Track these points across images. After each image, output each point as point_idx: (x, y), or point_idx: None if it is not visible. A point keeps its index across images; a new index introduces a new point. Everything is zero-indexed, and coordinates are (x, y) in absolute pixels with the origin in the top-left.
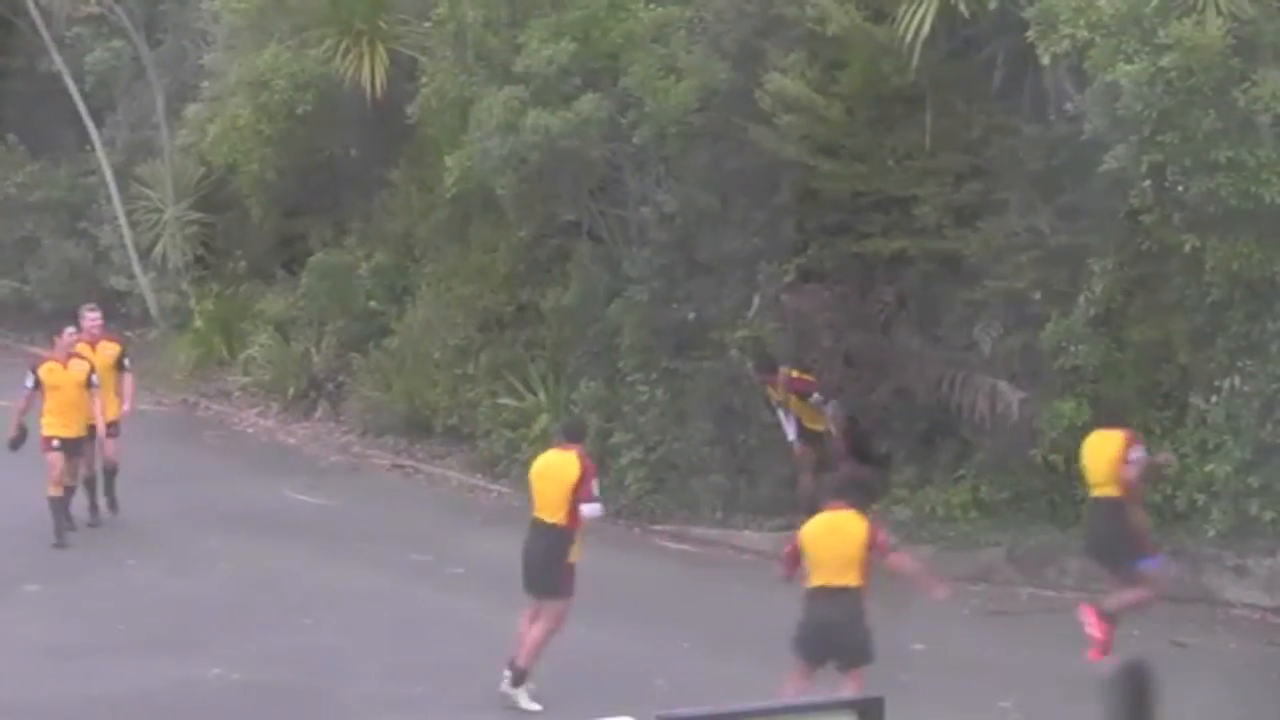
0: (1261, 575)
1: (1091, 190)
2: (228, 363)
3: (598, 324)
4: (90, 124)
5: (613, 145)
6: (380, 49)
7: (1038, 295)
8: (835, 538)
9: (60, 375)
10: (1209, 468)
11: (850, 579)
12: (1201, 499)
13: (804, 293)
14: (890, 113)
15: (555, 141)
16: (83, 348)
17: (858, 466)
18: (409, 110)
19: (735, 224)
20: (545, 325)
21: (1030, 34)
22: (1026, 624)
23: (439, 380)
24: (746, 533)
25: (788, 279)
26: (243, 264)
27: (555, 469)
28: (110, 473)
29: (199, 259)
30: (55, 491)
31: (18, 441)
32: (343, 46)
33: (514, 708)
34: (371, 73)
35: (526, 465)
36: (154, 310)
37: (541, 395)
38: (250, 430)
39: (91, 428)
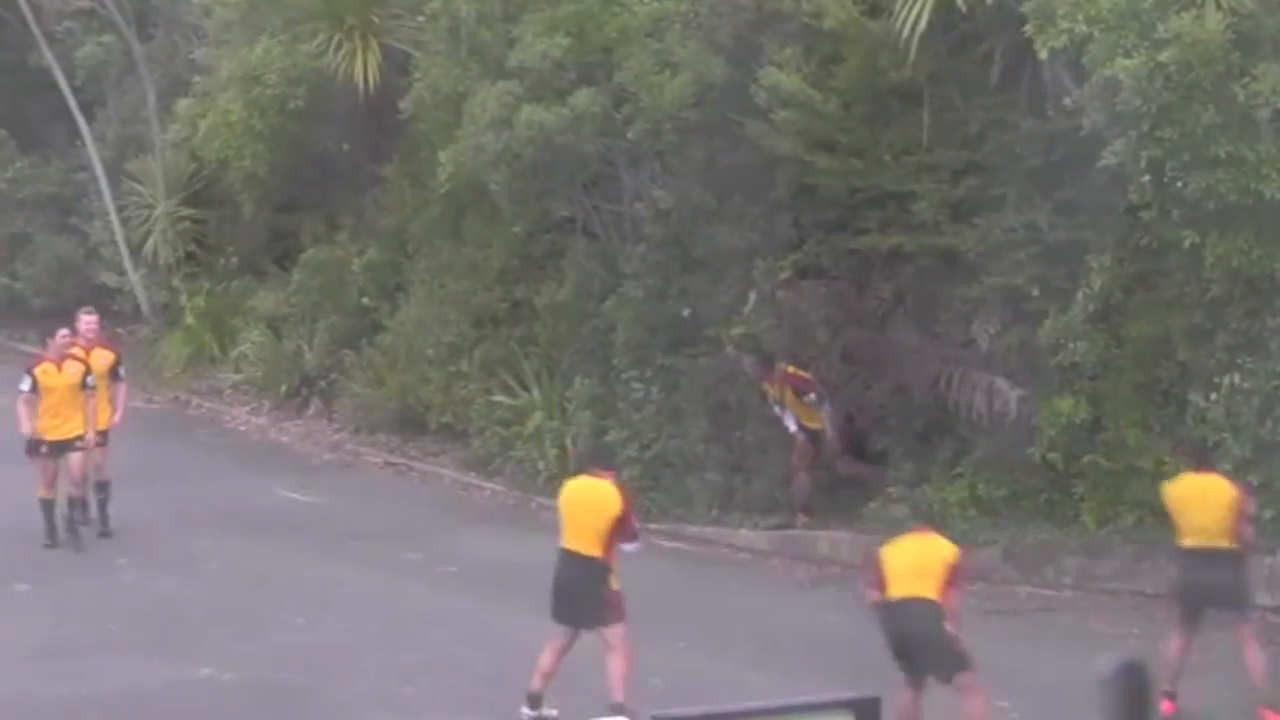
0: (1262, 574)
1: (1090, 186)
2: (219, 360)
3: (592, 320)
4: (81, 119)
5: (607, 140)
6: (373, 43)
7: (1036, 291)
8: (919, 557)
9: (54, 378)
10: None
11: (928, 592)
12: None
13: (800, 289)
14: (887, 108)
15: (549, 137)
16: (78, 351)
17: (853, 463)
18: (402, 105)
19: (731, 220)
20: (539, 322)
21: (1028, 28)
22: (1024, 623)
23: (432, 377)
24: (742, 531)
25: (784, 275)
26: (234, 260)
27: (591, 498)
28: (102, 490)
29: (190, 255)
30: (45, 494)
31: (37, 448)
32: (335, 41)
33: None
34: (364, 67)
35: (520, 463)
36: (145, 307)
37: (535, 392)
38: (242, 428)
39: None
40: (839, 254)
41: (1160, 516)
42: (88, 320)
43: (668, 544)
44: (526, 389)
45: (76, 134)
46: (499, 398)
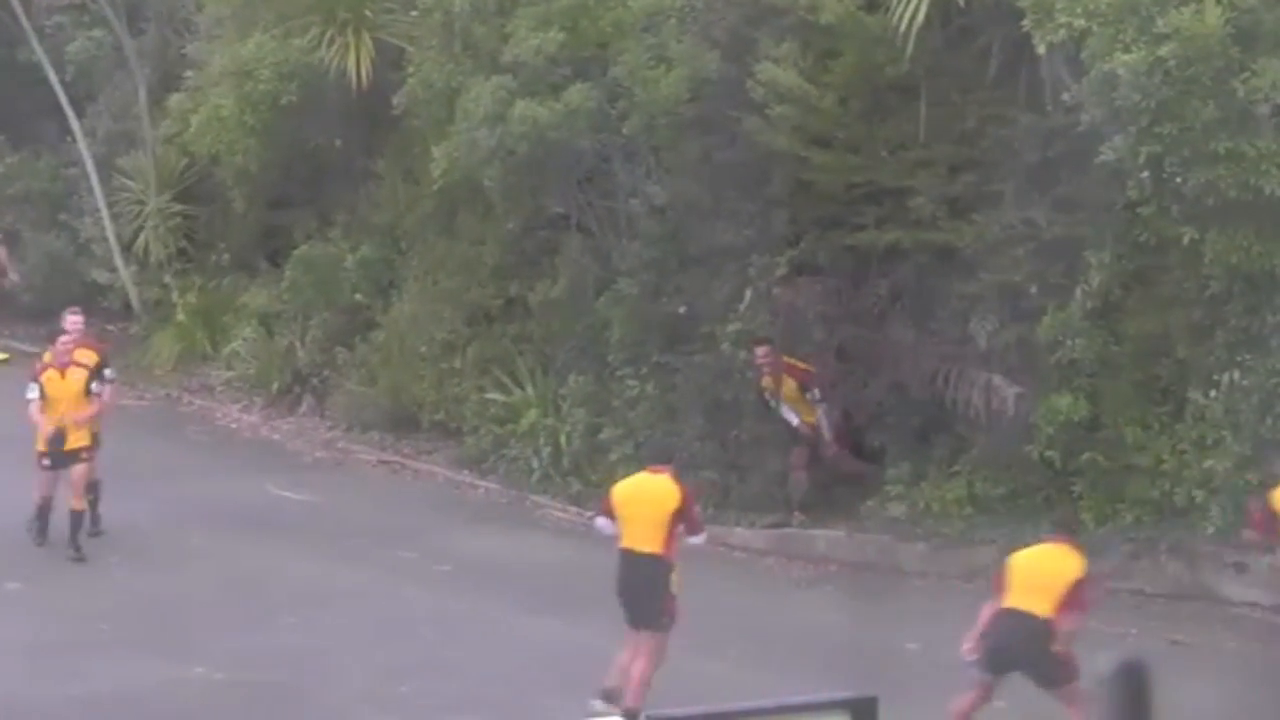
0: (1261, 572)
1: (1088, 182)
2: (211, 357)
3: (587, 317)
4: (71, 114)
5: (602, 136)
6: (366, 38)
7: (1034, 288)
8: (1042, 569)
9: (58, 386)
10: (1208, 463)
11: (1042, 608)
12: (1200, 495)
13: (796, 286)
14: (884, 103)
15: (543, 132)
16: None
17: (850, 461)
18: (395, 101)
19: (726, 216)
20: (533, 319)
21: (1026, 23)
22: None
23: (425, 375)
24: (738, 530)
25: (780, 272)
26: (226, 257)
27: (651, 494)
28: (91, 490)
29: (181, 251)
30: (42, 495)
31: (41, 460)
32: (328, 36)
33: None
34: (357, 62)
35: (514, 461)
36: (136, 303)
37: (529, 390)
38: (233, 425)
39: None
40: (835, 250)
41: (1158, 513)
42: (73, 320)
43: None
44: (520, 386)
45: (67, 129)
46: (493, 395)
